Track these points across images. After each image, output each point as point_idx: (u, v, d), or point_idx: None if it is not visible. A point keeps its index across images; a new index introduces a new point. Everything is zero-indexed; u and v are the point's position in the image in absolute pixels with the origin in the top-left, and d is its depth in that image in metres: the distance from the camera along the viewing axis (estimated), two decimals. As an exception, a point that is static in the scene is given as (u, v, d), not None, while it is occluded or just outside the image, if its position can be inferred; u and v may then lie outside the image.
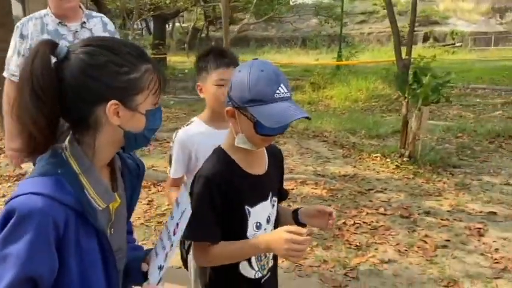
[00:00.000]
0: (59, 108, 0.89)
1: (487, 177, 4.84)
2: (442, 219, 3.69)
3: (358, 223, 3.60)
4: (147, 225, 3.54)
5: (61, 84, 0.88)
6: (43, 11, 2.27)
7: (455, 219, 3.70)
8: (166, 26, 20.81)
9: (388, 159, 5.27)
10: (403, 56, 10.47)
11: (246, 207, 1.25)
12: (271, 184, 1.34)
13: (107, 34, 2.30)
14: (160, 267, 1.02)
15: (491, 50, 18.92)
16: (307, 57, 20.39)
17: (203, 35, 26.31)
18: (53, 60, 0.89)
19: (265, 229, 1.31)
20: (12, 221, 0.82)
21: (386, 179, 4.70)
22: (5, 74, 2.30)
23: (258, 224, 1.29)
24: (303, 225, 1.35)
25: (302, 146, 5.90)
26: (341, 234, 3.39)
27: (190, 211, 1.01)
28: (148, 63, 0.95)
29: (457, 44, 20.34)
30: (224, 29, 6.63)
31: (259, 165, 1.31)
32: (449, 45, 20.40)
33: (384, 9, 24.69)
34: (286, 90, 1.15)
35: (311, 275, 2.89)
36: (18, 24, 2.26)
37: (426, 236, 3.39)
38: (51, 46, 0.89)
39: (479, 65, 15.01)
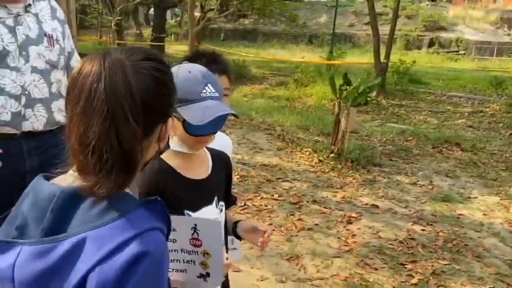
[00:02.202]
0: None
1: (399, 177, 5.21)
2: (325, 208, 4.11)
3: (247, 205, 4.04)
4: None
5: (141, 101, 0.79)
6: None
7: (336, 208, 4.11)
8: (172, 14, 21.22)
9: (315, 154, 5.66)
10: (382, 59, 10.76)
11: (186, 211, 1.24)
12: (216, 188, 1.33)
13: (55, 22, 1.91)
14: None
15: (493, 60, 18.84)
16: (312, 54, 20.66)
17: (215, 25, 26.83)
18: None
19: None
20: (146, 266, 0.71)
21: (302, 171, 5.11)
22: None
23: None
24: (240, 237, 1.42)
25: (244, 137, 6.34)
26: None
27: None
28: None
29: (461, 52, 20.28)
30: (190, 19, 7.01)
31: (200, 170, 1.30)
32: (453, 52, 20.36)
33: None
34: (213, 90, 1.17)
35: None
36: None
37: (299, 219, 3.81)
38: (120, 59, 0.79)
39: (474, 74, 15.07)
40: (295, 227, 3.66)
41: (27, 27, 1.79)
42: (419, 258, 3.31)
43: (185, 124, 1.16)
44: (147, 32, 21.60)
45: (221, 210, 1.34)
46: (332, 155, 5.56)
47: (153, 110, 0.79)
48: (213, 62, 1.53)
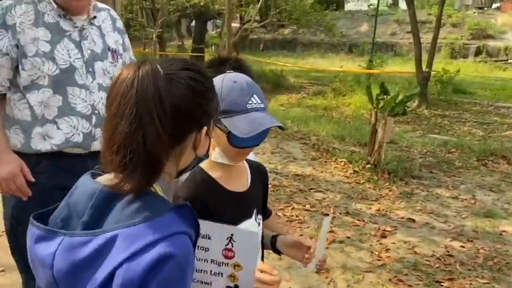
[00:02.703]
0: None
1: (440, 190, 4.99)
2: (358, 220, 4.00)
3: (278, 215, 4.00)
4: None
5: (172, 105, 0.83)
6: None
7: (370, 221, 3.99)
8: (213, 26, 21.63)
9: (351, 165, 5.54)
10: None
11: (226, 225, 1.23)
12: (255, 201, 1.31)
13: (116, 34, 1.84)
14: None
15: (545, 69, 17.80)
16: (351, 63, 20.39)
17: (255, 36, 27.09)
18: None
19: None
20: (170, 268, 0.74)
21: (336, 182, 5.01)
22: None
23: None
24: (279, 252, 1.36)
25: (278, 146, 6.31)
26: (257, 222, 3.83)
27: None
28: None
29: (510, 61, 19.33)
30: (227, 30, 7.12)
31: (240, 182, 1.28)
32: (501, 61, 19.44)
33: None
34: (259, 101, 1.15)
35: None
36: None
37: (331, 231, 3.72)
38: (154, 66, 0.83)
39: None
40: (326, 239, 3.56)
41: (92, 41, 1.72)
42: (456, 276, 3.14)
43: (230, 135, 1.14)
44: (189, 43, 22.11)
45: (259, 224, 1.32)
46: (368, 165, 5.42)
47: (186, 117, 0.82)
48: (238, 69, 1.46)
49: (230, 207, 1.21)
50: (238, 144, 1.15)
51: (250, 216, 1.27)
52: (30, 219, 0.84)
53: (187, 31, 31.09)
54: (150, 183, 0.82)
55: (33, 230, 0.83)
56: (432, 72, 10.78)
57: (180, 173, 0.93)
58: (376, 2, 18.75)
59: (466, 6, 29.53)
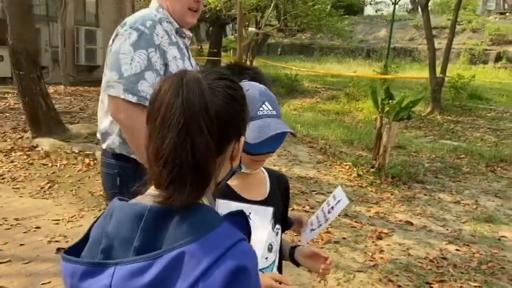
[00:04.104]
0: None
1: (442, 195, 5.01)
2: (356, 222, 4.06)
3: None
4: (103, 196, 4.36)
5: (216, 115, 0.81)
6: (154, 13, 1.78)
7: (368, 223, 4.05)
8: (232, 30, 21.85)
9: (355, 169, 5.59)
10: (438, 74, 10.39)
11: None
12: (274, 211, 1.30)
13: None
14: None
15: None
16: (368, 68, 20.35)
17: (273, 40, 27.27)
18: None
19: (266, 258, 1.26)
20: (249, 277, 0.74)
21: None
22: (129, 97, 1.64)
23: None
24: (297, 263, 1.37)
25: (286, 149, 6.40)
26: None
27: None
28: None
29: (532, 67, 18.95)
30: (238, 35, 7.28)
31: (259, 191, 1.28)
32: (522, 66, 19.08)
33: (459, 24, 23.72)
34: (271, 108, 1.16)
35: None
36: (138, 26, 1.69)
37: (327, 232, 3.80)
38: (197, 77, 0.82)
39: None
40: (322, 239, 3.66)
41: (191, 57, 1.90)
42: (448, 278, 3.18)
43: None
44: (207, 47, 22.45)
45: (277, 234, 1.31)
46: (372, 170, 5.47)
47: (228, 126, 0.82)
48: (255, 79, 1.47)
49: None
50: (250, 150, 1.15)
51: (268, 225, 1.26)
52: (64, 257, 0.80)
53: (206, 36, 31.50)
54: (200, 195, 0.80)
55: (74, 267, 0.78)
56: (447, 78, 10.71)
57: (217, 185, 0.90)
58: (395, 7, 18.66)
59: (489, 11, 29.06)
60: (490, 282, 3.16)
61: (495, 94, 13.14)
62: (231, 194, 1.22)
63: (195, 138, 0.76)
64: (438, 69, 10.36)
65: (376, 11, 30.03)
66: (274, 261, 1.31)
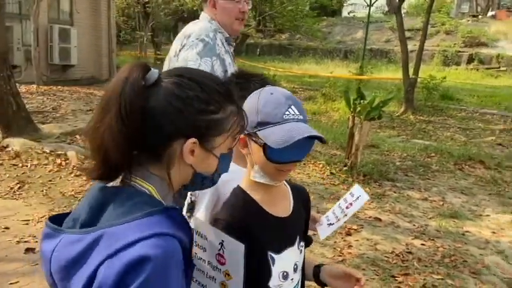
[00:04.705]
0: (138, 134, 0.82)
1: (411, 192, 5.15)
2: (326, 219, 4.14)
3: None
4: (75, 197, 4.33)
5: (144, 110, 0.82)
6: (209, 25, 1.97)
7: (338, 220, 4.13)
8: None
9: (328, 167, 5.69)
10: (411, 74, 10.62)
11: (270, 253, 1.13)
12: (298, 228, 1.22)
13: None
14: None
15: (536, 77, 18.02)
16: (345, 69, 20.64)
17: (252, 41, 27.36)
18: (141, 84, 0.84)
19: (292, 279, 1.18)
20: (149, 270, 0.72)
21: (311, 183, 5.17)
22: None
23: (285, 273, 1.16)
24: (323, 284, 1.28)
25: (260, 148, 6.45)
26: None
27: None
28: (234, 104, 0.92)
29: (502, 68, 19.57)
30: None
31: (283, 206, 1.20)
32: (493, 68, 19.69)
33: (434, 27, 24.23)
34: (297, 112, 1.08)
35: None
36: (203, 37, 1.88)
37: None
38: (143, 70, 0.84)
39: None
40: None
41: (232, 58, 2.03)
42: (412, 271, 3.29)
43: (265, 148, 1.07)
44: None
45: (301, 251, 1.23)
46: (345, 168, 5.58)
47: (160, 119, 0.83)
48: (263, 85, 1.42)
49: (273, 234, 1.13)
50: (275, 158, 1.07)
51: (293, 244, 1.18)
52: (46, 221, 0.87)
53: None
54: (109, 176, 0.85)
55: (44, 229, 0.86)
56: (419, 79, 10.98)
57: (186, 187, 0.93)
58: (372, 9, 18.98)
59: (462, 14, 29.84)
60: (452, 274, 3.29)
61: (466, 95, 13.53)
62: (255, 209, 1.13)
63: (103, 120, 0.80)
64: (412, 71, 10.61)
65: (348, 13, 30.48)
66: (299, 281, 1.22)
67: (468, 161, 6.73)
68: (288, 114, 1.07)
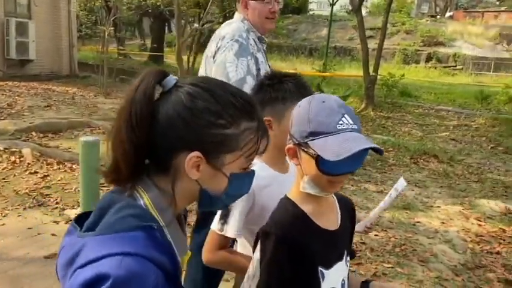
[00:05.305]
0: (147, 143, 0.79)
1: (368, 185, 5.34)
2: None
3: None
4: (29, 195, 4.22)
5: (153, 118, 0.79)
6: (242, 24, 2.03)
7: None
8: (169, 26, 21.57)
9: (289, 162, 5.80)
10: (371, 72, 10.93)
11: (320, 269, 1.08)
12: (346, 241, 1.18)
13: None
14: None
15: (490, 76, 18.96)
16: (309, 66, 20.95)
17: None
18: (158, 91, 0.81)
19: None
20: None
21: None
22: None
23: None
24: None
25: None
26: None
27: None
28: (252, 121, 0.84)
29: (458, 67, 20.44)
30: (177, 31, 7.26)
31: (332, 218, 1.15)
32: (450, 67, 20.53)
33: (395, 26, 24.92)
34: (351, 121, 1.02)
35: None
36: (238, 38, 1.94)
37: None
38: (158, 76, 0.81)
39: (467, 88, 15.20)
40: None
41: (267, 61, 2.10)
42: (364, 261, 3.43)
43: (318, 160, 1.01)
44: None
45: (347, 266, 1.18)
46: (305, 163, 5.70)
47: (167, 131, 0.79)
48: (302, 87, 1.38)
49: (323, 248, 1.08)
50: (328, 170, 1.02)
51: (341, 259, 1.14)
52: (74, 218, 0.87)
53: (150, 31, 30.88)
54: (119, 182, 0.82)
55: (71, 223, 0.85)
56: (379, 76, 11.32)
57: (201, 204, 0.86)
58: (337, 7, 19.35)
59: (422, 14, 30.86)
60: (401, 263, 3.45)
61: (424, 92, 14.07)
62: (306, 222, 1.08)
63: (116, 126, 0.79)
64: (372, 68, 10.94)
65: (308, 12, 30.93)
66: None
67: (423, 155, 7.03)
68: (341, 124, 1.01)
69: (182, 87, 0.81)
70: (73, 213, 3.96)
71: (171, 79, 0.82)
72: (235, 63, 1.89)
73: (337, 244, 1.13)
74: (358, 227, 1.36)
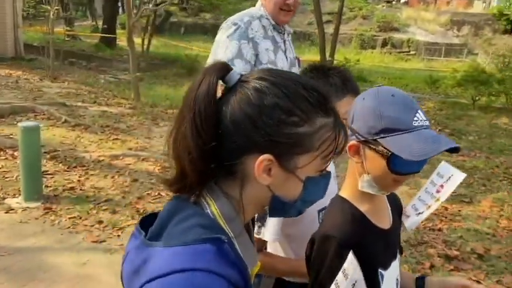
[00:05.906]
0: (213, 146, 0.71)
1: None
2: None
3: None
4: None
5: (218, 118, 0.72)
6: (256, 11, 2.05)
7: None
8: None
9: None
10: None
11: (380, 270, 1.03)
12: (397, 238, 1.15)
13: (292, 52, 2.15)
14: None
15: (440, 61, 19.69)
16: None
17: (175, 19, 26.63)
18: (221, 87, 0.74)
19: None
20: None
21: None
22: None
23: None
24: None
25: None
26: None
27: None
28: (329, 116, 0.75)
29: (412, 52, 21.06)
30: (127, 12, 7.00)
31: (385, 216, 1.11)
32: (404, 52, 21.12)
33: (351, 11, 25.28)
34: (424, 118, 0.96)
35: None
36: (237, 21, 1.95)
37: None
38: (221, 71, 0.74)
39: (419, 73, 15.73)
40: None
41: (290, 51, 2.10)
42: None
43: (390, 159, 0.95)
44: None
45: (399, 264, 1.14)
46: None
47: (233, 129, 0.71)
48: (348, 81, 1.30)
49: (381, 248, 1.04)
50: (400, 169, 0.97)
51: (395, 257, 1.10)
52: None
53: (103, 11, 29.69)
54: (182, 190, 0.75)
55: (136, 227, 0.79)
56: (335, 61, 11.48)
57: (272, 210, 0.79)
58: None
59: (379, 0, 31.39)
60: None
61: (379, 77, 14.40)
62: (364, 222, 1.04)
63: (180, 129, 0.71)
64: (328, 54, 11.06)
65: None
66: None
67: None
68: (416, 120, 0.95)
69: (248, 82, 0.73)
70: (14, 202, 3.79)
71: (235, 74, 0.74)
72: (226, 44, 1.92)
73: (391, 243, 1.09)
74: (409, 224, 1.25)
